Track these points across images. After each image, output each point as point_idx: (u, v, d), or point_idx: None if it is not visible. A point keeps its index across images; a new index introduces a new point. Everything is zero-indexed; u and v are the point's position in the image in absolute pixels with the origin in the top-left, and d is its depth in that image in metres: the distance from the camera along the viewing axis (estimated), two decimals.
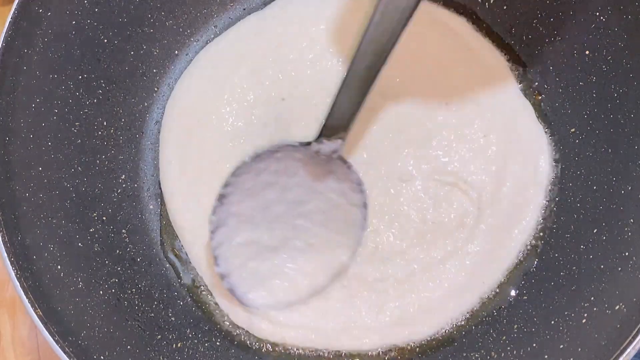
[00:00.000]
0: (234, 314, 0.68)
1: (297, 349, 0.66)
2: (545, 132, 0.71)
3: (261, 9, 0.80)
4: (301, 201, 0.65)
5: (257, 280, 0.65)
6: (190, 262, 0.71)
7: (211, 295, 0.70)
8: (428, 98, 0.72)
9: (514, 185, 0.68)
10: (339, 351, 0.65)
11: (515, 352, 0.60)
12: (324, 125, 0.61)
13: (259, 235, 0.65)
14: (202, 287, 0.70)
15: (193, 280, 0.71)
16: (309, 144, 0.62)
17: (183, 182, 0.73)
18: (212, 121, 0.74)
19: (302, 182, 0.65)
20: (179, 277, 0.71)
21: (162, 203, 0.74)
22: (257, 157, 0.62)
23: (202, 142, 0.74)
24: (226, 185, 0.63)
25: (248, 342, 0.67)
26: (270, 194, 0.64)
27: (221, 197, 0.63)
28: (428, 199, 0.69)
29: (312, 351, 0.66)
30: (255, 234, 0.65)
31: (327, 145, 0.62)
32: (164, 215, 0.74)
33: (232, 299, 0.67)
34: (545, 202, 0.68)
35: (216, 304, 0.69)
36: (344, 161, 0.64)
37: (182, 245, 0.72)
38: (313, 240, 0.66)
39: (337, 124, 0.61)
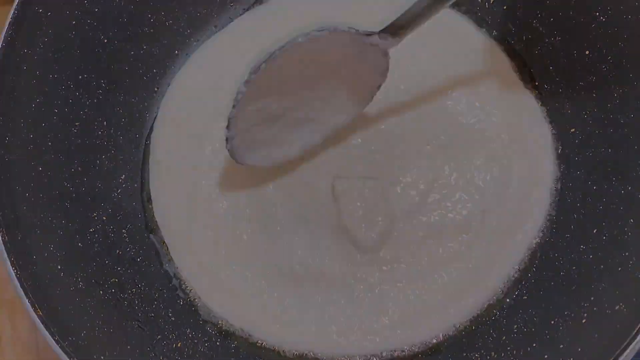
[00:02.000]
0: (233, 315, 0.68)
1: (296, 350, 0.66)
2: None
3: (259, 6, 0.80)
4: (316, 75, 0.64)
5: (254, 144, 0.66)
6: (177, 269, 0.70)
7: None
8: (430, 99, 0.72)
9: (518, 186, 0.68)
10: (338, 353, 0.65)
11: (515, 352, 0.59)
12: (392, 24, 0.59)
13: (269, 104, 0.64)
14: (192, 289, 0.69)
15: (181, 284, 0.70)
16: (370, 34, 0.59)
17: (168, 184, 0.73)
18: (203, 121, 0.74)
19: (329, 61, 0.63)
20: (170, 281, 0.70)
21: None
22: (310, 37, 0.58)
23: (191, 143, 0.73)
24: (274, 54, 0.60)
25: (248, 342, 0.67)
26: (294, 69, 0.62)
27: (256, 70, 0.60)
28: (430, 199, 0.68)
29: (311, 352, 0.66)
30: (266, 102, 0.64)
31: (389, 42, 0.60)
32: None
33: (230, 302, 0.67)
34: (549, 204, 0.68)
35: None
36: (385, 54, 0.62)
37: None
38: (312, 115, 0.66)
39: (404, 24, 0.59)
